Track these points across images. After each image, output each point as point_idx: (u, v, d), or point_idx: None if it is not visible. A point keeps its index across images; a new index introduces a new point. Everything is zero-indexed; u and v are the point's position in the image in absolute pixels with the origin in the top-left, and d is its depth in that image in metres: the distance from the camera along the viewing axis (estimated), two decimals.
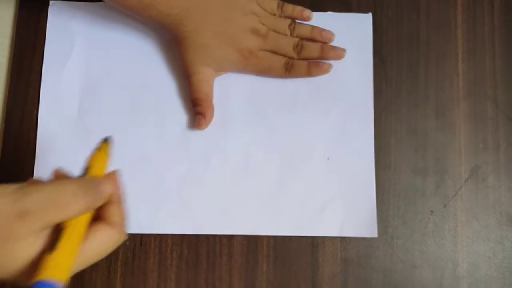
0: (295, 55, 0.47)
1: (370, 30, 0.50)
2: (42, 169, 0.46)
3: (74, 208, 0.27)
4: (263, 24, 0.47)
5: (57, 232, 0.28)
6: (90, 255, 0.30)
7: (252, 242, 0.46)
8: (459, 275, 0.46)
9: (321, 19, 0.49)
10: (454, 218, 0.47)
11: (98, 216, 0.31)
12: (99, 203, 0.30)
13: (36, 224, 0.26)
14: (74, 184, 0.29)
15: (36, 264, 0.27)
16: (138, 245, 0.45)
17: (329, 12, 0.50)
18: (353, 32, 0.50)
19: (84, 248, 0.29)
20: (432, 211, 0.47)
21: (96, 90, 0.48)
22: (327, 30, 0.48)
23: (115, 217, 0.31)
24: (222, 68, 0.47)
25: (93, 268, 0.45)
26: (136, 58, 0.49)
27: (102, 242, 0.30)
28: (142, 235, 0.46)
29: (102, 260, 0.44)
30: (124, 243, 0.45)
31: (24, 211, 0.26)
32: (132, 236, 0.45)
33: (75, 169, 0.42)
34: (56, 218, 0.27)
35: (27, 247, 0.27)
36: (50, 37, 0.49)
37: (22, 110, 0.47)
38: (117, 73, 0.48)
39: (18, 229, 0.26)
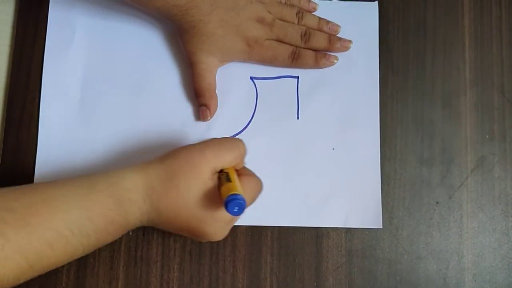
0: (302, 44, 0.47)
1: (376, 19, 0.49)
2: (44, 156, 0.46)
3: (229, 157, 0.38)
4: (269, 12, 0.46)
5: (222, 175, 0.37)
6: (248, 197, 0.38)
7: (256, 233, 0.46)
8: (464, 266, 0.46)
9: (326, 8, 0.49)
10: (459, 209, 0.46)
11: (239, 175, 0.40)
12: (242, 158, 0.40)
13: (210, 162, 0.37)
14: (227, 142, 0.40)
15: (212, 197, 0.36)
16: (141, 235, 0.45)
17: (334, 0, 0.49)
18: (358, 21, 0.49)
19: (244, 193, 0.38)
20: (437, 202, 0.47)
21: (97, 78, 0.48)
22: (333, 22, 0.48)
23: (250, 172, 0.41)
24: (226, 57, 0.47)
25: (96, 258, 0.44)
26: (137, 47, 0.48)
27: (253, 186, 0.40)
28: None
29: (105, 250, 0.45)
30: (127, 234, 0.45)
31: (202, 149, 0.38)
32: None
33: (76, 157, 0.46)
34: (218, 164, 0.38)
35: (207, 181, 0.37)
36: (51, 25, 0.48)
37: (24, 98, 0.47)
38: (118, 62, 0.48)
39: (200, 161, 0.37)
